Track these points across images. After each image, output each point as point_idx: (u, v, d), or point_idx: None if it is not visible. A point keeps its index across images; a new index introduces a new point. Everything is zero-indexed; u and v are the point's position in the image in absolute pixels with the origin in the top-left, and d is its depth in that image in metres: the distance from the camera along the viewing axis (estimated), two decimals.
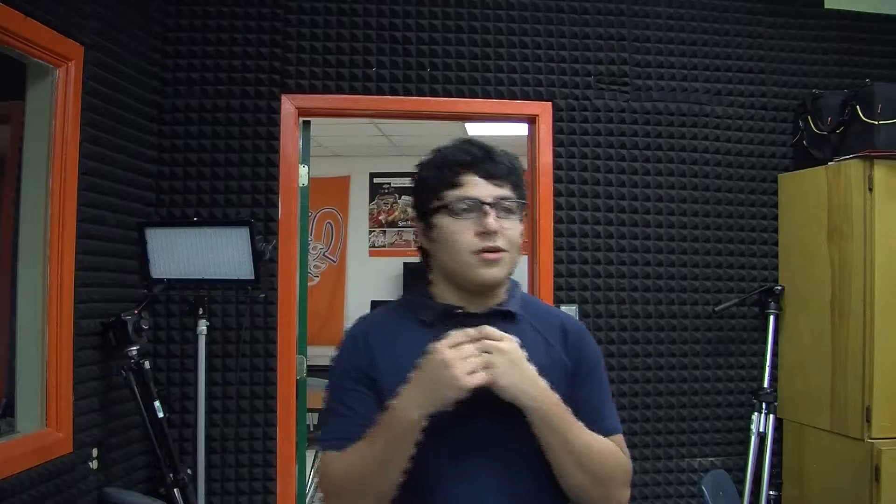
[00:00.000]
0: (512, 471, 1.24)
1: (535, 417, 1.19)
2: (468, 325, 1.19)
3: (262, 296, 3.08)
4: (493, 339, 1.16)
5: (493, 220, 1.22)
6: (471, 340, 1.15)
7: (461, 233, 1.23)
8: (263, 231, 3.09)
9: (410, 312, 1.32)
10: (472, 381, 1.13)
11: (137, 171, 2.95)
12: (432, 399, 1.14)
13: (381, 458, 1.16)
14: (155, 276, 2.77)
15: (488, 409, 1.19)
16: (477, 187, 1.24)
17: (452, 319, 1.26)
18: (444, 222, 1.25)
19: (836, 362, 3.04)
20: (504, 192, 1.25)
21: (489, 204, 1.23)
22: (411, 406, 1.15)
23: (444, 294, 1.31)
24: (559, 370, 1.26)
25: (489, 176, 1.25)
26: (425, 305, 1.31)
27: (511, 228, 1.25)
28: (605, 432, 1.28)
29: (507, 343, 1.17)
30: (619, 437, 1.31)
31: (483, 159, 1.26)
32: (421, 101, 3.25)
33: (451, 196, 1.24)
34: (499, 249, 1.23)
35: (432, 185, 1.27)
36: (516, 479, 1.24)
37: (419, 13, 3.26)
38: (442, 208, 1.25)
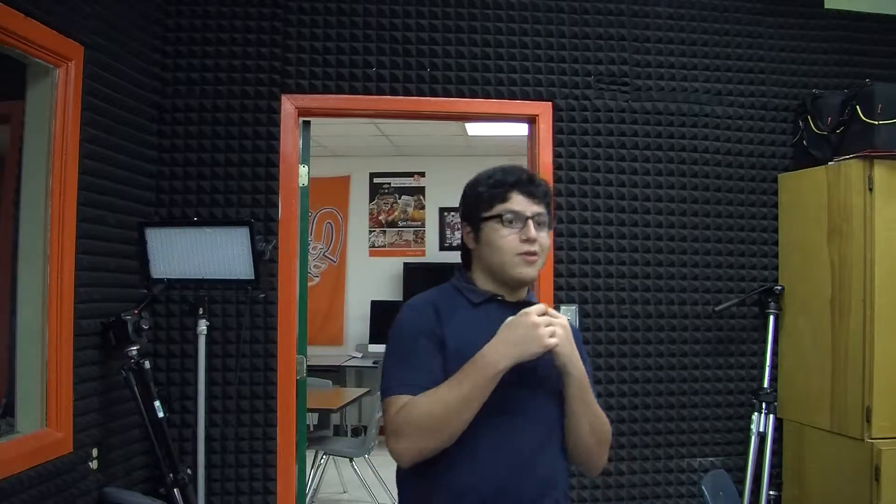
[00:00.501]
0: (540, 426, 1.54)
1: (573, 383, 1.50)
2: (506, 309, 1.52)
3: (262, 296, 3.08)
4: (556, 318, 1.47)
5: (532, 230, 1.53)
6: (546, 314, 1.46)
7: (507, 238, 1.54)
8: (263, 231, 3.09)
9: (461, 295, 1.60)
10: (552, 342, 1.43)
11: (137, 171, 2.95)
12: (520, 352, 1.43)
13: (466, 399, 1.41)
14: (155, 276, 2.77)
15: (530, 379, 1.51)
16: (521, 204, 1.55)
17: (494, 303, 1.58)
18: (493, 228, 1.55)
19: (836, 362, 3.04)
20: (541, 209, 1.56)
21: (530, 217, 1.54)
22: (502, 357, 1.42)
23: (484, 285, 1.61)
24: None
25: (531, 195, 1.56)
26: (472, 291, 1.60)
27: (543, 238, 1.56)
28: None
29: (566, 321, 1.50)
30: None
31: (527, 182, 1.57)
32: (421, 101, 3.25)
33: (501, 208, 1.55)
34: (535, 253, 1.54)
35: (486, 198, 1.57)
36: (543, 433, 1.54)
37: (419, 13, 3.26)
38: (492, 218, 1.55)
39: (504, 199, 1.55)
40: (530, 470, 1.50)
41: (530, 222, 1.53)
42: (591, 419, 1.54)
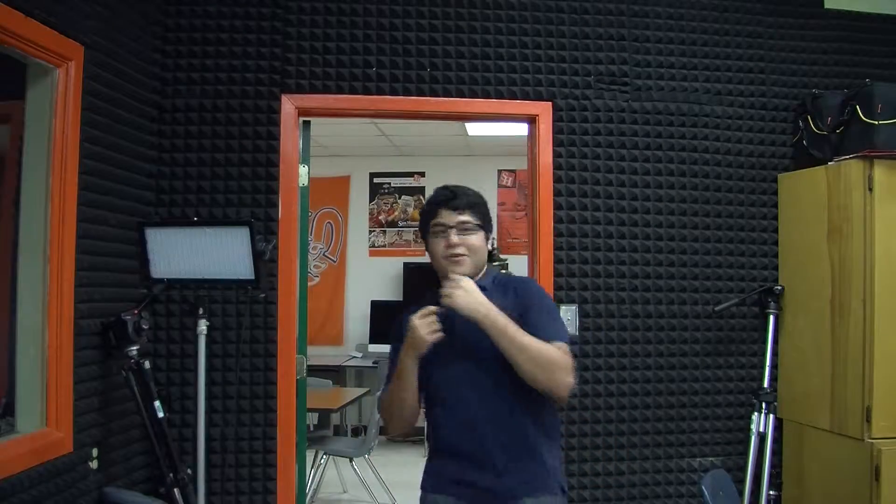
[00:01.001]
0: (487, 393, 1.90)
1: (486, 326, 1.81)
2: None
3: (262, 296, 3.08)
4: (457, 284, 1.85)
5: (453, 237, 1.93)
6: (431, 314, 1.85)
7: (437, 245, 1.97)
8: (263, 231, 3.09)
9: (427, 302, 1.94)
10: (430, 338, 1.84)
11: (137, 171, 2.95)
12: (413, 349, 1.87)
13: (399, 387, 1.92)
14: (155, 276, 2.77)
15: (469, 354, 1.91)
16: (445, 217, 1.95)
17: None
18: (429, 240, 2.00)
19: (836, 362, 3.05)
20: (464, 217, 1.94)
21: (452, 227, 1.94)
22: (406, 355, 1.89)
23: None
24: (511, 309, 1.88)
25: (454, 208, 1.95)
26: (435, 295, 1.92)
27: (471, 240, 1.94)
28: (547, 339, 1.83)
29: (465, 282, 1.86)
30: (560, 344, 1.85)
31: (450, 198, 1.96)
32: (421, 101, 3.26)
33: (432, 223, 1.98)
34: (460, 255, 1.93)
35: (424, 217, 2.02)
36: (492, 398, 1.90)
37: (419, 13, 3.26)
38: (428, 232, 2.00)
39: (434, 215, 1.96)
40: (481, 433, 1.89)
41: (451, 231, 1.93)
42: (522, 351, 1.79)
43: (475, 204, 1.97)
